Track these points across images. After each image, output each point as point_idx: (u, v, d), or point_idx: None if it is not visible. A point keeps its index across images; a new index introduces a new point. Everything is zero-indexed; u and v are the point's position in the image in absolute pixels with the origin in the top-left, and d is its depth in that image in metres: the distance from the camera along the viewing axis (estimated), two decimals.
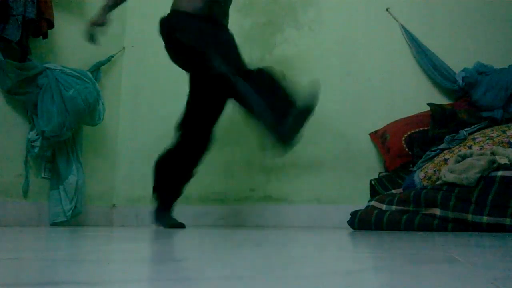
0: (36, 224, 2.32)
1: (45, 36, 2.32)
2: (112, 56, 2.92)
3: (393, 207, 1.87)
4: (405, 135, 2.31)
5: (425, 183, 1.94)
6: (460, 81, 2.35)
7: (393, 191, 2.08)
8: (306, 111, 1.82)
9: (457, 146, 1.98)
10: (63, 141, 2.38)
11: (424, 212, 1.76)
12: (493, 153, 1.77)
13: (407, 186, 2.02)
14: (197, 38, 1.97)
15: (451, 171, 1.74)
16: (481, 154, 1.76)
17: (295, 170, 2.64)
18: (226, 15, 2.16)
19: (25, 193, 2.29)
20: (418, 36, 2.55)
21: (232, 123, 2.52)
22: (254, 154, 2.66)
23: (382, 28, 2.65)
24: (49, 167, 2.41)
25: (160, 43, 2.06)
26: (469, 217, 1.62)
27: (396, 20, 2.62)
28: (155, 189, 2.20)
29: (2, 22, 2.06)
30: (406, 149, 2.28)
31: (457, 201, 1.65)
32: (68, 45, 2.60)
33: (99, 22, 2.09)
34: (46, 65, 2.30)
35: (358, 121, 2.59)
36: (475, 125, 2.09)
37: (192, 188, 2.29)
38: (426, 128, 2.28)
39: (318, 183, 2.59)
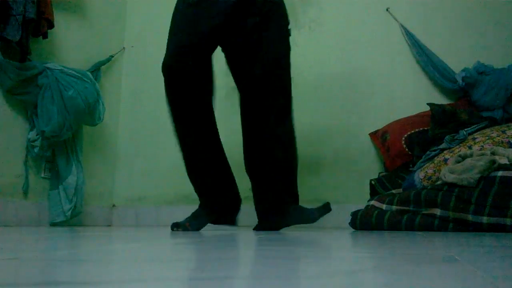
0: (36, 224, 2.32)
1: (45, 36, 2.32)
2: (112, 56, 2.92)
3: (393, 207, 1.87)
4: (405, 135, 2.31)
5: (425, 183, 1.93)
6: (460, 81, 2.35)
7: (393, 191, 2.08)
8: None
9: (457, 146, 1.98)
10: (63, 141, 2.38)
11: (424, 212, 1.76)
12: (493, 153, 1.77)
13: (407, 186, 2.02)
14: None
15: (451, 172, 1.74)
16: (481, 154, 1.76)
17: None
18: None
19: (25, 193, 2.29)
20: (418, 36, 2.55)
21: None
22: None
23: (382, 28, 2.66)
24: (49, 167, 2.41)
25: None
26: (470, 217, 1.62)
27: (396, 20, 2.62)
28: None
29: (2, 22, 2.06)
30: (406, 149, 2.28)
31: (457, 201, 1.65)
32: (68, 45, 2.60)
33: None
34: (46, 65, 2.30)
35: (358, 121, 2.60)
36: (475, 125, 2.09)
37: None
38: (426, 128, 2.28)
39: (318, 183, 2.59)
